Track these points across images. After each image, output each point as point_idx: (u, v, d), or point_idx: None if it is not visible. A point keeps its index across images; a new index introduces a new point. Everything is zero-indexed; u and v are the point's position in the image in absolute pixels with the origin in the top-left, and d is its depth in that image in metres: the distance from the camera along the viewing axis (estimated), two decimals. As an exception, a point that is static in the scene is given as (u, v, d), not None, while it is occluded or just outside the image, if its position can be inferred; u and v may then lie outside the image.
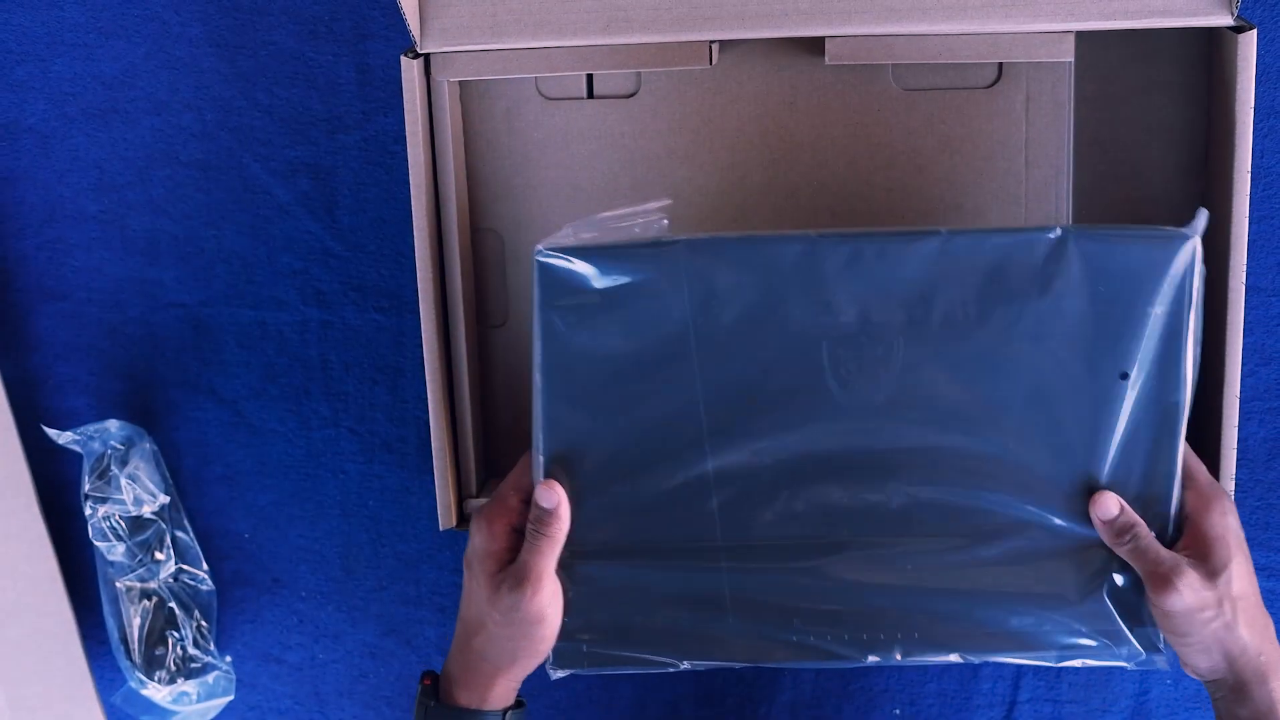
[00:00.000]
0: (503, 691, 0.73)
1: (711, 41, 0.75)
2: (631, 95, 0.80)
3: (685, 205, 0.80)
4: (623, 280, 0.67)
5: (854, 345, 0.67)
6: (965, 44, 0.73)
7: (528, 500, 0.71)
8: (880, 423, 0.68)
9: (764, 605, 0.70)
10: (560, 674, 0.73)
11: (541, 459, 0.70)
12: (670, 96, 0.79)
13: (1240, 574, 0.65)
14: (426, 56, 0.77)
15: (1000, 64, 0.76)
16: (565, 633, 0.71)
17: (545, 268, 0.67)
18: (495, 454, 0.86)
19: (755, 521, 0.69)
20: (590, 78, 0.80)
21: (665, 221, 0.69)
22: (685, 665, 0.72)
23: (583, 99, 0.80)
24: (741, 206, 0.80)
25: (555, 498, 0.69)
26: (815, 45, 0.76)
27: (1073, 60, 0.74)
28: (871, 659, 0.70)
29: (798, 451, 0.68)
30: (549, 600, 0.69)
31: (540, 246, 0.67)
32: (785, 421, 0.68)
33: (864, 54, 0.74)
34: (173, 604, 0.91)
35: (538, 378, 0.69)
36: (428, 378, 0.80)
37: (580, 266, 0.67)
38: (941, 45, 0.73)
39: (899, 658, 0.70)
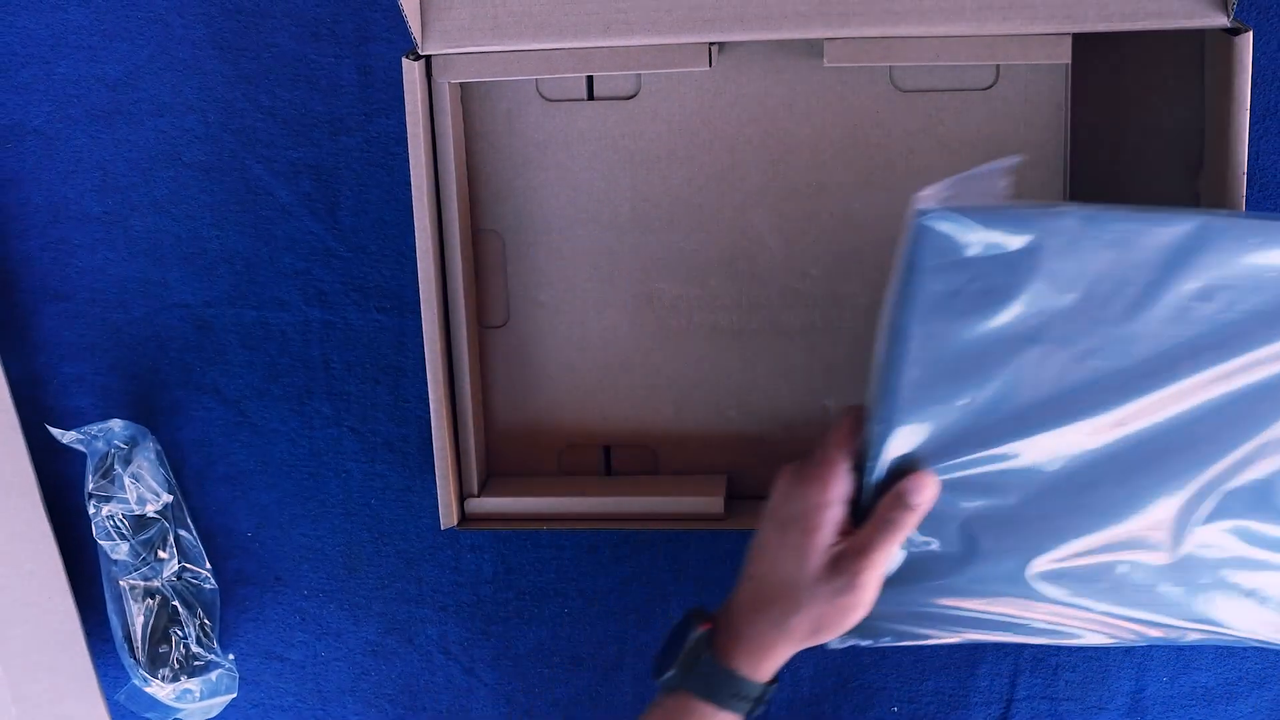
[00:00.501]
0: (779, 662, 0.68)
1: (711, 43, 0.75)
2: (631, 97, 0.80)
3: (684, 207, 0.81)
4: (1005, 245, 0.63)
5: (1211, 330, 0.64)
6: (963, 46, 0.74)
7: (859, 466, 0.67)
8: (1212, 404, 0.65)
9: (1080, 578, 0.68)
10: (841, 645, 0.69)
11: (888, 430, 0.66)
12: (670, 98, 0.80)
13: None
14: (428, 58, 0.77)
15: (998, 66, 0.77)
16: None
17: (926, 229, 0.62)
18: (495, 453, 0.86)
19: (1061, 502, 0.67)
20: (590, 80, 0.80)
21: (1004, 183, 0.65)
22: (973, 638, 0.70)
23: (583, 100, 0.81)
24: (740, 208, 0.80)
25: (932, 493, 0.65)
26: (814, 47, 0.76)
27: (1070, 62, 0.74)
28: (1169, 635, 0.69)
29: (1135, 432, 0.66)
30: (879, 585, 0.66)
31: (922, 207, 0.62)
32: (1120, 399, 0.65)
33: (862, 56, 0.74)
34: (176, 602, 0.91)
35: (892, 347, 0.65)
36: (429, 378, 0.80)
37: (962, 229, 0.62)
38: (940, 47, 0.74)
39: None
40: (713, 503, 0.81)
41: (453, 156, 0.79)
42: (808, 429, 0.82)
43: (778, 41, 0.76)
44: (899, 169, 0.78)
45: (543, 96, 0.81)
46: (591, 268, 0.82)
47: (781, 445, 0.83)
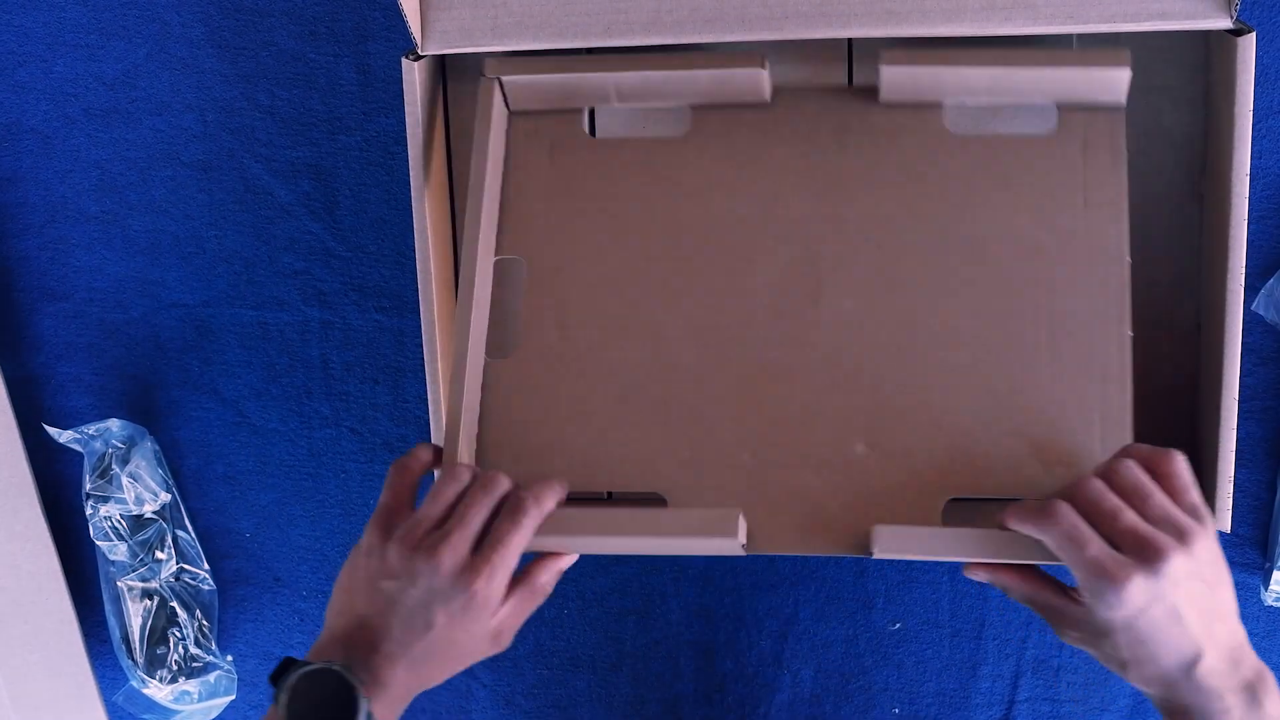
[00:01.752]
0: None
1: (764, 68, 0.74)
2: (680, 136, 0.78)
3: (723, 242, 0.76)
4: None
5: None
6: (1021, 79, 0.73)
7: None
8: None
9: None
10: None
11: None
12: (720, 137, 0.77)
13: None
14: (442, 59, 0.77)
15: (1058, 110, 0.75)
16: None
17: None
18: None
19: None
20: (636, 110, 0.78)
21: None
22: None
23: (632, 139, 0.78)
24: (783, 238, 0.76)
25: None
26: (869, 91, 0.76)
27: (1124, 102, 0.73)
28: None
29: None
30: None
31: None
32: None
33: (915, 92, 0.74)
34: (174, 603, 0.91)
35: None
36: (428, 378, 0.80)
37: None
38: (994, 80, 0.73)
39: None
40: (729, 545, 0.71)
41: (486, 187, 0.75)
42: (842, 474, 0.73)
43: (831, 87, 0.76)
44: (950, 209, 0.75)
45: (590, 134, 0.78)
46: (617, 296, 0.76)
47: (811, 490, 0.73)
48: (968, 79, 0.73)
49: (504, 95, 0.78)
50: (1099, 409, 0.72)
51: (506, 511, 0.68)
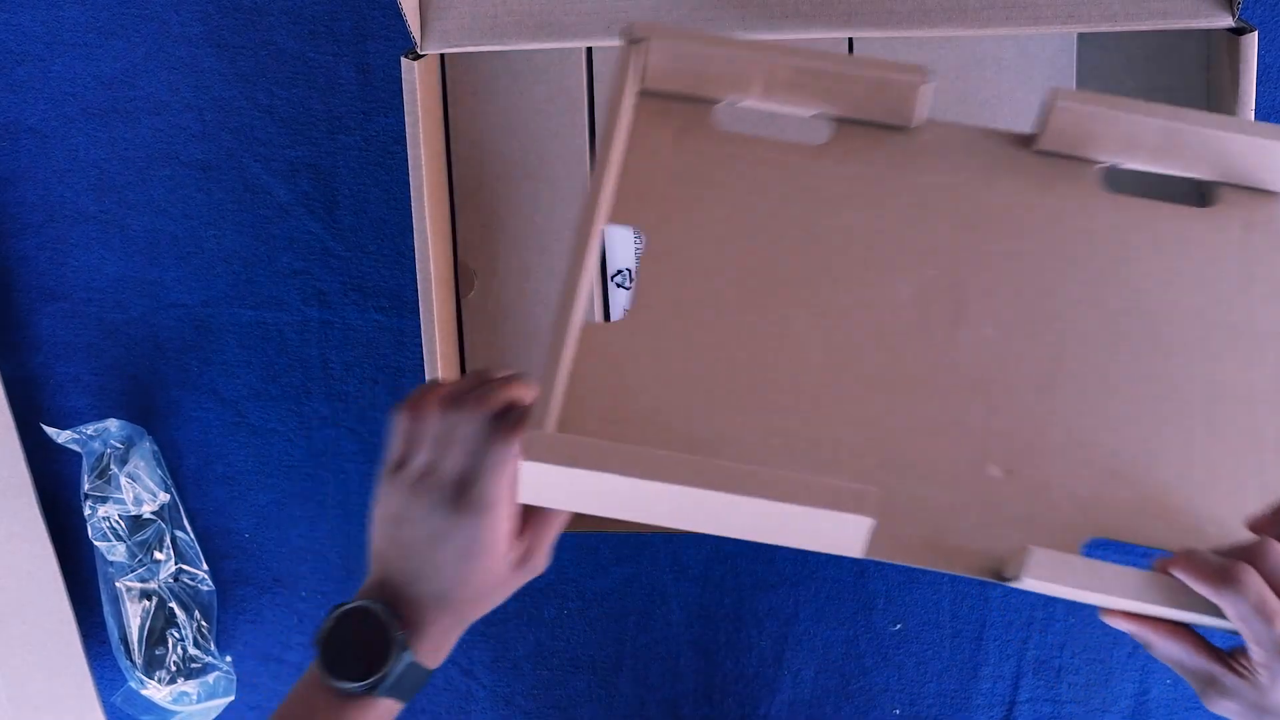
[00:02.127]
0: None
1: (925, 80, 0.68)
2: (817, 145, 0.71)
3: (856, 254, 0.70)
4: None
5: None
6: (1188, 139, 0.68)
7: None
8: None
9: None
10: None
11: None
12: (857, 150, 0.71)
13: None
14: (442, 58, 0.77)
15: (1217, 190, 0.70)
16: None
17: None
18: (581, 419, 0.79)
19: None
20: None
21: None
22: None
23: (763, 138, 0.71)
24: (923, 253, 0.70)
25: None
26: (1022, 138, 0.71)
27: None
28: None
29: None
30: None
31: None
32: None
33: (1075, 140, 0.69)
34: (173, 604, 0.91)
35: None
36: (427, 378, 0.80)
37: None
38: (1162, 138, 0.68)
39: None
40: (853, 528, 0.58)
41: (613, 151, 0.67)
42: (972, 494, 0.65)
43: (983, 128, 0.70)
44: (1103, 261, 0.70)
45: (717, 125, 0.71)
46: (740, 286, 0.68)
47: (938, 505, 0.64)
48: (1136, 131, 0.68)
49: (644, 63, 0.70)
50: (1257, 479, 0.66)
51: (492, 446, 0.64)
